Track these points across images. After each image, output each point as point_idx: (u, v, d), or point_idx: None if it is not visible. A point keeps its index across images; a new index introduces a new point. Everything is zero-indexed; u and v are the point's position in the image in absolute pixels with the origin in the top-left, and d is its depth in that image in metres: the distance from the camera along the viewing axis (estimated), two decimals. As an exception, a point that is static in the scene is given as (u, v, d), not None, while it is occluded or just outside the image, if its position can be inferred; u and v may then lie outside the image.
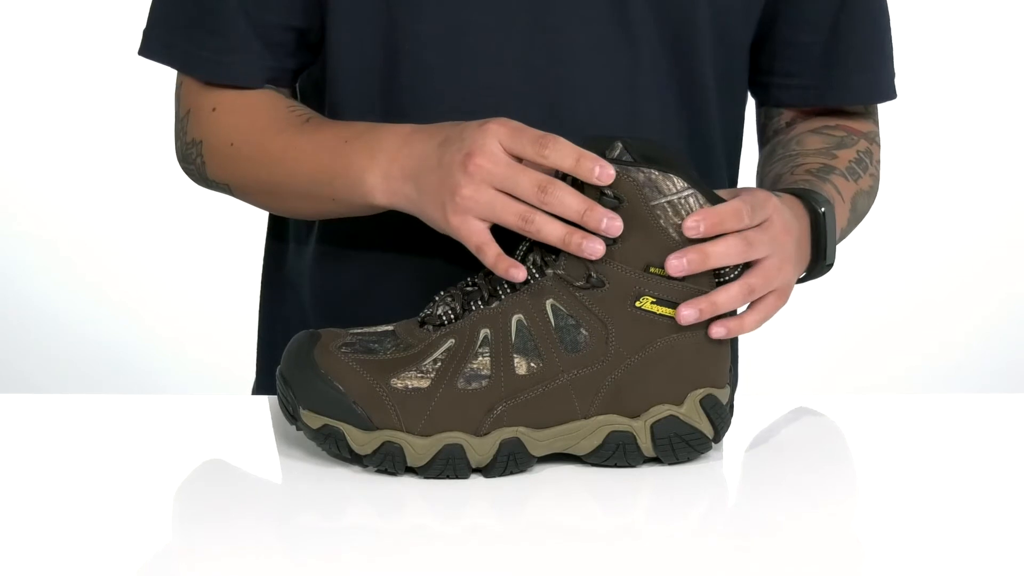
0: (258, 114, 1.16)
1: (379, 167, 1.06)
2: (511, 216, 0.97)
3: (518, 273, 0.97)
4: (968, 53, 2.88)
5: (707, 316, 0.98)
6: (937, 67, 2.80)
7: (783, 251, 1.01)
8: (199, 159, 1.19)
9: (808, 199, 1.09)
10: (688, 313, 0.97)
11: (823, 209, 1.08)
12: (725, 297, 0.98)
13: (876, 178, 1.25)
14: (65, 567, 0.84)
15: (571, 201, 0.96)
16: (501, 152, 0.98)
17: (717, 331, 0.98)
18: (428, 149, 1.03)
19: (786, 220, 1.02)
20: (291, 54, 1.19)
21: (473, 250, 0.99)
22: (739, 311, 1.01)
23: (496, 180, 0.97)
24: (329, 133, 1.12)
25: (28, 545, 0.86)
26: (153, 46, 1.20)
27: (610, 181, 0.95)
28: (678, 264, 0.96)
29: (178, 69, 1.21)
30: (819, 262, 1.08)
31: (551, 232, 0.96)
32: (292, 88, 1.23)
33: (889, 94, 1.27)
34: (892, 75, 1.27)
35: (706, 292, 0.98)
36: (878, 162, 1.26)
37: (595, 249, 0.95)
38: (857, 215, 1.21)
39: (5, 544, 0.87)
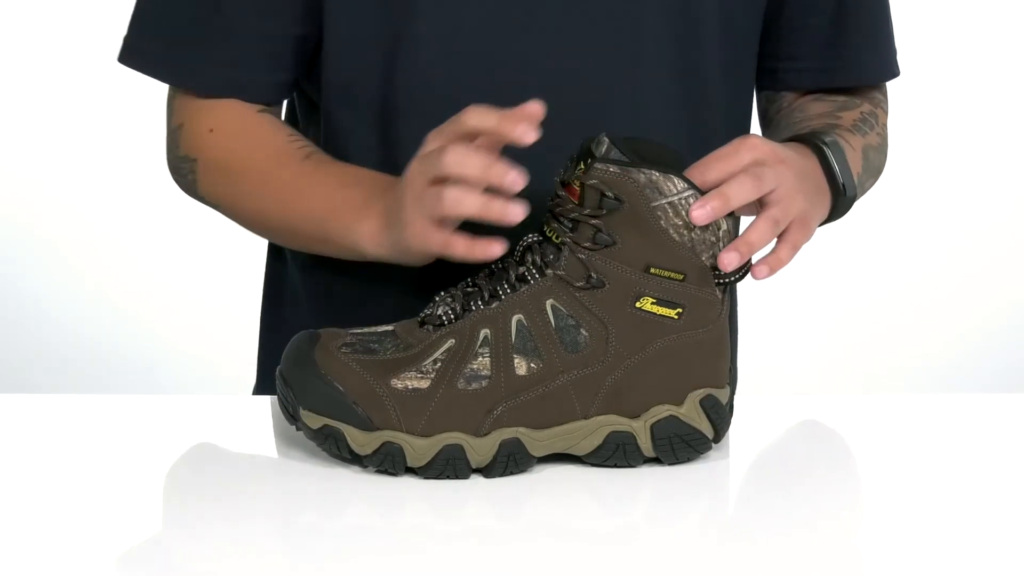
0: (259, 142, 1.14)
1: (371, 218, 1.06)
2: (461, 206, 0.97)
3: (496, 247, 0.97)
4: (969, 53, 2.88)
5: (747, 257, 0.99)
6: (939, 67, 2.80)
7: (787, 181, 1.02)
8: (191, 176, 1.17)
9: (811, 140, 1.10)
10: (730, 257, 0.97)
11: (828, 140, 1.09)
12: (756, 235, 1.00)
13: (884, 138, 1.26)
14: (65, 567, 0.84)
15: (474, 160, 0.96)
16: (462, 145, 0.98)
17: (761, 270, 1.00)
18: (399, 192, 1.03)
19: (779, 153, 1.03)
20: (288, 66, 1.17)
21: (444, 252, 1.00)
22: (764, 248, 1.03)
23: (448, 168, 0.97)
24: (328, 174, 1.12)
25: (28, 545, 0.86)
26: (137, 56, 1.16)
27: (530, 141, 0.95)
28: (702, 214, 0.96)
29: (168, 82, 1.17)
30: (839, 196, 1.09)
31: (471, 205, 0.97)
32: (281, 105, 1.22)
33: (894, 71, 1.28)
34: (895, 53, 1.28)
35: (707, 294, 0.98)
36: (884, 125, 1.26)
37: (517, 213, 0.96)
38: (870, 166, 1.21)
39: (5, 544, 0.87)
